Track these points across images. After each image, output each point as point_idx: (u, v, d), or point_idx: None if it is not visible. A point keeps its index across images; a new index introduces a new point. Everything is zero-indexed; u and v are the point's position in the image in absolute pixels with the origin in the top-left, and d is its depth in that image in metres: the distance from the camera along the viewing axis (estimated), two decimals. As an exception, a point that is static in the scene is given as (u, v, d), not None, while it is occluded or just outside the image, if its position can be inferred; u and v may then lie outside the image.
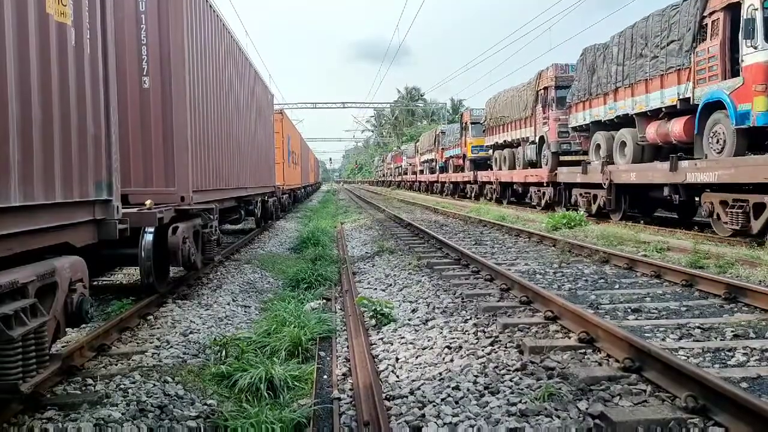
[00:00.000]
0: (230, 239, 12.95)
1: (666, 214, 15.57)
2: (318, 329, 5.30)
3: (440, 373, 3.96)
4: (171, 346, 4.78)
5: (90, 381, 3.90)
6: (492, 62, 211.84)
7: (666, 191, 11.99)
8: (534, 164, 20.61)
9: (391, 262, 9.03)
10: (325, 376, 4.38)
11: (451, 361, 4.23)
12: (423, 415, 3.30)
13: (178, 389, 3.84)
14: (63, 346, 4.40)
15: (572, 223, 13.02)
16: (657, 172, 12.18)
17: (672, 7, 12.14)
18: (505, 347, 4.37)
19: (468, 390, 3.58)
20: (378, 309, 5.67)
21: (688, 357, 4.05)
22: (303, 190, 33.80)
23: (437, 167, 38.29)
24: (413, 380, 3.93)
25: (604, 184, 14.22)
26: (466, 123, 30.04)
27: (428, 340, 4.78)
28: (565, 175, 17.26)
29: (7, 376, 2.97)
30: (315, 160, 59.02)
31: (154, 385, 3.84)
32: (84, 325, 4.44)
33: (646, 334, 4.64)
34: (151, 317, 5.75)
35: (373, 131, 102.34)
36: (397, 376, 4.12)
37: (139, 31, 6.57)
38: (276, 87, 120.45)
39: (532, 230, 12.08)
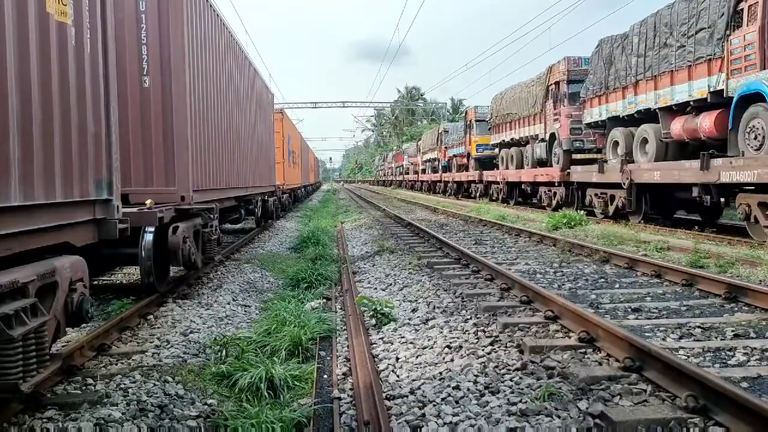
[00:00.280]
0: (230, 239, 12.96)
1: (683, 215, 14.53)
2: (318, 329, 5.30)
3: (440, 373, 3.96)
4: (171, 346, 4.78)
5: (90, 380, 3.90)
6: (492, 62, 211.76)
7: (695, 192, 11.03)
8: (543, 163, 19.78)
9: (392, 262, 9.03)
10: (326, 376, 4.38)
11: (452, 360, 4.23)
12: (423, 415, 3.30)
13: (179, 389, 3.84)
14: (63, 346, 4.40)
15: (572, 223, 13.00)
16: (685, 171, 11.18)
17: None
18: (506, 347, 4.37)
19: (468, 389, 3.58)
20: (378, 308, 5.67)
21: (688, 357, 4.05)
22: (303, 189, 33.81)
23: (440, 166, 37.41)
24: (413, 380, 3.93)
25: (624, 183, 13.30)
26: (470, 121, 29.30)
27: (428, 340, 4.78)
28: (579, 174, 16.23)
29: (7, 376, 2.97)
30: (315, 159, 59.02)
31: (155, 384, 3.84)
32: (84, 325, 4.44)
33: (647, 334, 4.64)
34: (152, 317, 5.75)
35: (373, 131, 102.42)
36: (398, 376, 4.12)
37: (140, 31, 6.57)
38: (276, 87, 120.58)
39: (532, 230, 12.08)
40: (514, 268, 7.89)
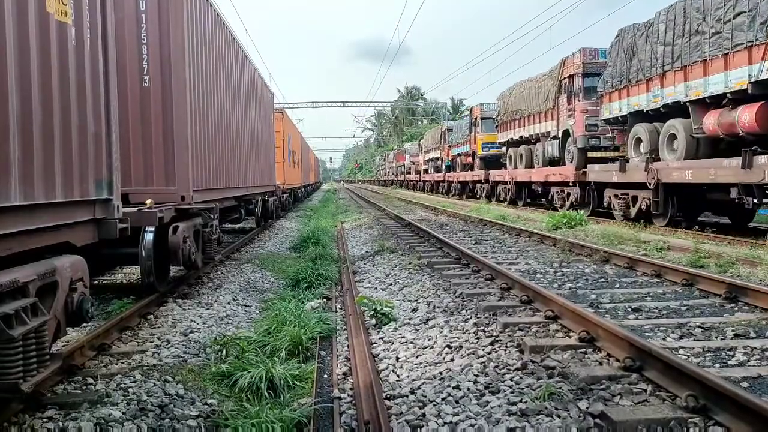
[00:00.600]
0: (230, 238, 12.96)
1: (706, 218, 13.78)
2: (318, 328, 5.30)
3: (440, 373, 3.96)
4: (171, 346, 4.78)
5: (90, 380, 3.90)
6: (492, 62, 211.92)
7: (733, 193, 10.11)
8: (555, 162, 18.76)
9: (392, 262, 9.03)
10: (326, 376, 4.38)
11: (452, 360, 4.23)
12: (423, 415, 3.30)
13: (179, 388, 3.84)
14: (63, 346, 4.40)
15: (572, 223, 12.99)
16: (723, 170, 10.17)
17: None
18: (506, 346, 4.37)
19: (468, 389, 3.58)
20: (378, 308, 5.67)
21: (688, 356, 4.05)
22: (303, 189, 33.79)
23: (443, 166, 36.25)
24: (414, 379, 3.93)
25: (650, 184, 12.25)
26: (476, 118, 28.24)
27: (428, 340, 4.78)
28: (596, 173, 15.16)
29: (7, 376, 2.97)
30: (315, 159, 58.99)
31: (155, 384, 3.84)
32: (84, 325, 4.44)
33: (647, 334, 4.64)
34: (152, 316, 5.75)
35: (373, 130, 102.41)
36: (398, 376, 4.12)
37: (140, 30, 6.57)
38: (276, 86, 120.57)
39: (532, 229, 12.08)
40: (515, 267, 7.89)
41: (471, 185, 29.75)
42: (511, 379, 3.69)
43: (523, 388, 3.52)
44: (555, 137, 18.72)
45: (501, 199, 23.93)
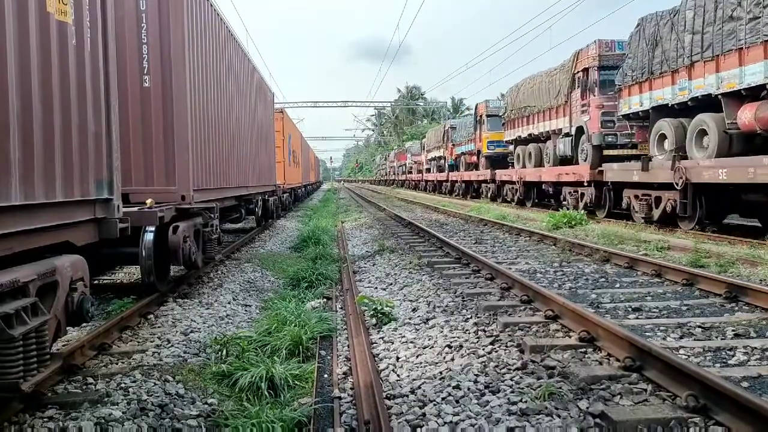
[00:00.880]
0: (231, 238, 12.96)
1: (733, 221, 13.01)
2: (318, 328, 5.30)
3: (441, 372, 3.96)
4: (172, 345, 4.78)
5: (91, 380, 3.90)
6: (492, 62, 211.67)
7: None
8: (567, 161, 17.69)
9: (392, 261, 9.03)
10: (326, 375, 4.38)
11: (452, 360, 4.23)
12: (423, 414, 3.30)
13: (179, 388, 3.84)
14: (64, 345, 4.40)
15: (573, 222, 13.00)
16: (764, 169, 9.21)
17: None
18: (506, 346, 4.37)
19: (468, 389, 3.58)
20: (378, 308, 5.67)
21: (688, 356, 4.05)
22: (303, 189, 33.79)
23: (446, 165, 35.19)
24: (414, 379, 3.93)
25: (678, 184, 11.19)
26: (481, 116, 27.09)
27: (429, 339, 4.78)
28: (615, 172, 14.15)
29: (8, 375, 2.97)
30: (315, 158, 58.95)
31: (155, 384, 3.84)
32: (85, 324, 4.44)
33: (647, 333, 4.64)
34: (152, 316, 5.75)
35: (373, 130, 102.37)
36: (398, 375, 4.12)
37: (140, 30, 6.57)
38: (276, 86, 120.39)
39: (532, 229, 12.07)
40: (515, 267, 7.89)
41: (476, 185, 28.79)
42: (511, 379, 3.69)
43: (523, 388, 3.52)
44: (567, 134, 17.67)
45: (508, 199, 23.11)
